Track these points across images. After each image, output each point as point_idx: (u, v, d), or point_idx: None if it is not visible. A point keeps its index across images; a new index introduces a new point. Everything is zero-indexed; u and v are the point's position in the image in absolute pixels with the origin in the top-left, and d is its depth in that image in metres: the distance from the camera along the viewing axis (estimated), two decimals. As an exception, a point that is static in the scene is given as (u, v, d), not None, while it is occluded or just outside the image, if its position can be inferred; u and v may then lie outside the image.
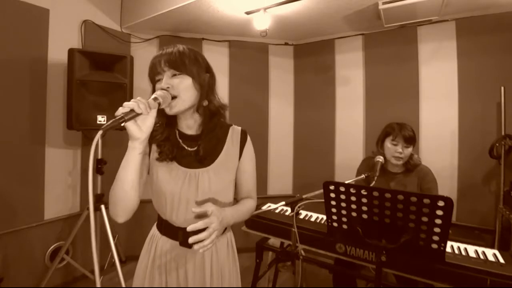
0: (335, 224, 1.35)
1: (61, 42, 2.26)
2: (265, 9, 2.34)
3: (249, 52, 3.11)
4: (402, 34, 2.61)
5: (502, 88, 2.13)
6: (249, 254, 1.86)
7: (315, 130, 3.12)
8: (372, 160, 1.82)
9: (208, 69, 1.01)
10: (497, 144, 2.12)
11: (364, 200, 1.19)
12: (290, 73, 3.25)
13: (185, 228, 0.84)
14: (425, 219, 1.10)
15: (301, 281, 1.84)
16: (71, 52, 2.07)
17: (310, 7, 2.33)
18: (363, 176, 1.73)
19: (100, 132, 0.70)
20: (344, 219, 1.31)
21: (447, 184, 2.40)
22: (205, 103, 0.99)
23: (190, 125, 1.02)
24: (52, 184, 2.28)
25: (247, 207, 1.07)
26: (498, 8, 2.20)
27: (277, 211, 1.88)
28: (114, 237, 2.11)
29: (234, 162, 1.06)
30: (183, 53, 0.94)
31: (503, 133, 2.13)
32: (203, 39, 3.01)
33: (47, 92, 2.24)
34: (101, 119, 2.15)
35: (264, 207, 1.95)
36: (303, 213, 1.85)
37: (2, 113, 2.00)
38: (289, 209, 1.87)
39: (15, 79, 2.06)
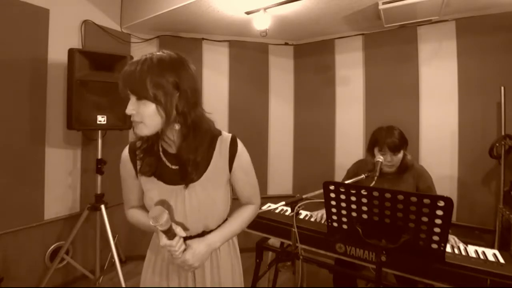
0: (335, 224, 1.35)
1: (61, 42, 2.26)
2: (265, 9, 2.34)
3: (249, 52, 3.11)
4: (402, 34, 2.61)
5: (502, 88, 2.13)
6: (249, 254, 1.85)
7: (315, 130, 3.11)
8: (363, 163, 1.82)
9: (179, 86, 0.87)
10: (497, 144, 2.12)
11: (364, 200, 1.19)
12: (290, 73, 3.25)
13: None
14: (425, 219, 1.10)
15: (301, 281, 1.83)
16: (71, 52, 2.06)
17: (310, 7, 2.33)
18: (363, 176, 1.73)
19: None
20: (344, 219, 1.31)
21: (447, 184, 2.40)
22: (177, 126, 0.90)
23: (169, 143, 0.96)
24: (52, 184, 2.28)
25: (243, 217, 1.07)
26: (498, 8, 2.20)
27: (277, 211, 1.88)
28: (114, 237, 2.10)
29: (223, 176, 1.00)
30: (145, 72, 0.82)
31: (503, 133, 2.12)
32: (203, 39, 3.01)
33: (47, 92, 2.24)
34: (101, 119, 2.15)
35: (264, 207, 1.95)
36: (303, 213, 1.85)
37: (2, 113, 2.00)
38: (289, 209, 1.87)
39: (15, 79, 2.06)
